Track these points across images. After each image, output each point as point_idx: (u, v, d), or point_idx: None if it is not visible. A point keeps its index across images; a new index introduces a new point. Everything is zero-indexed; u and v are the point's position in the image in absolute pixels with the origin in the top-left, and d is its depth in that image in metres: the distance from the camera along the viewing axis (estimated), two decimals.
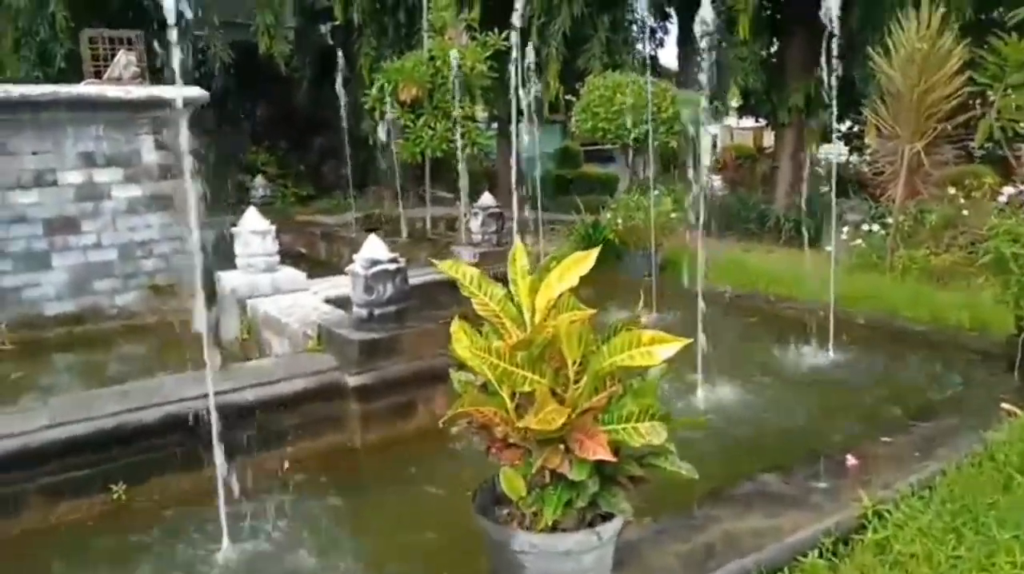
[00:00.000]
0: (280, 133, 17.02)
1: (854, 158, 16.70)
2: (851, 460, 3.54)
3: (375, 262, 4.10)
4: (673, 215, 7.90)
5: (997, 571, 2.70)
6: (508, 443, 2.30)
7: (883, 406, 4.59)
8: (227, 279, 5.73)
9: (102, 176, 6.39)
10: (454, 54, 9.05)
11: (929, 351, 5.42)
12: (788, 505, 3.18)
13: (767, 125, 15.54)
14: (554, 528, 2.27)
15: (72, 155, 6.23)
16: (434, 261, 2.44)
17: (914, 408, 4.43)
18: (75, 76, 9.13)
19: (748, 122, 19.86)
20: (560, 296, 2.31)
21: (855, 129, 14.64)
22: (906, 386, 4.92)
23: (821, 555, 2.80)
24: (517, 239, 2.40)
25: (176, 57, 3.04)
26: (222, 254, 6.06)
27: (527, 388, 2.13)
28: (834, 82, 5.69)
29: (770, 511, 3.13)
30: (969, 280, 6.30)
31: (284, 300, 5.29)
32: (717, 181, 17.90)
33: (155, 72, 11.95)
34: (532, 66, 7.66)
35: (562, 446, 2.19)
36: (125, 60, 6.59)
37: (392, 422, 3.97)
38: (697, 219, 5.39)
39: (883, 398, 4.74)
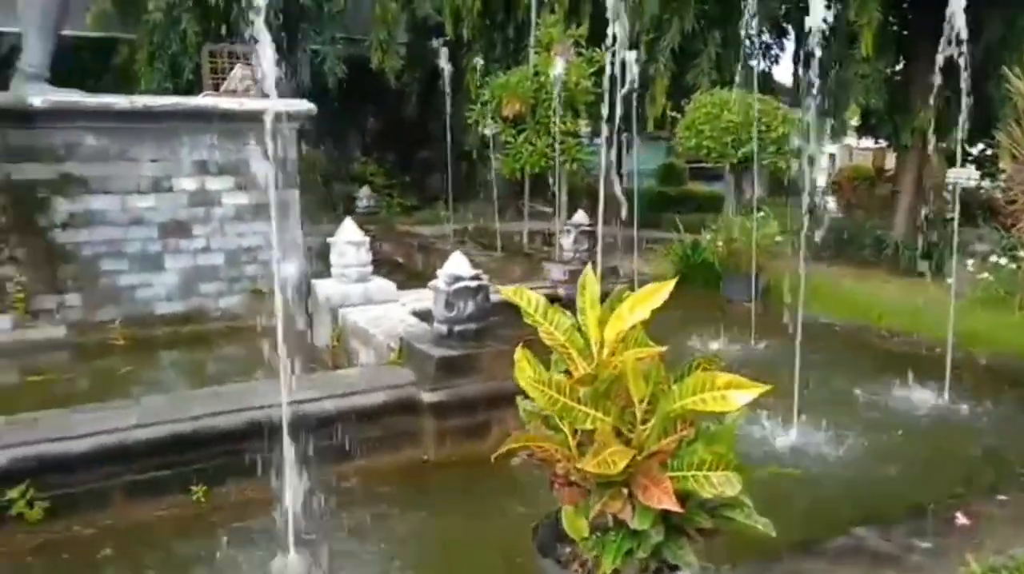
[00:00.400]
0: (389, 145, 17.51)
1: (986, 184, 15.53)
2: (961, 518, 3.21)
3: (457, 278, 4.07)
4: (778, 238, 7.53)
5: None
6: (569, 481, 2.18)
7: (1002, 460, 4.16)
8: (321, 287, 5.88)
9: (214, 184, 6.71)
10: (558, 70, 9.00)
11: None
12: (884, 564, 2.91)
13: (888, 146, 14.67)
14: None
15: (187, 163, 6.58)
16: (499, 287, 2.35)
17: None
18: (201, 89, 9.70)
19: (868, 142, 18.85)
20: (632, 328, 2.19)
21: (988, 153, 13.60)
22: None
23: None
24: (588, 267, 2.27)
25: (270, 72, 3.09)
26: (327, 262, 6.21)
27: (589, 426, 2.01)
28: (964, 103, 5.22)
29: (864, 569, 2.87)
30: None
31: (373, 311, 5.35)
32: (832, 203, 17.07)
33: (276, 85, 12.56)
34: (636, 82, 7.53)
35: (625, 490, 2.05)
36: (241, 74, 6.92)
37: (467, 440, 3.91)
38: (804, 244, 5.06)
39: (1003, 451, 4.29)
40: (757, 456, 4.21)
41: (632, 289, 2.13)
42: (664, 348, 2.10)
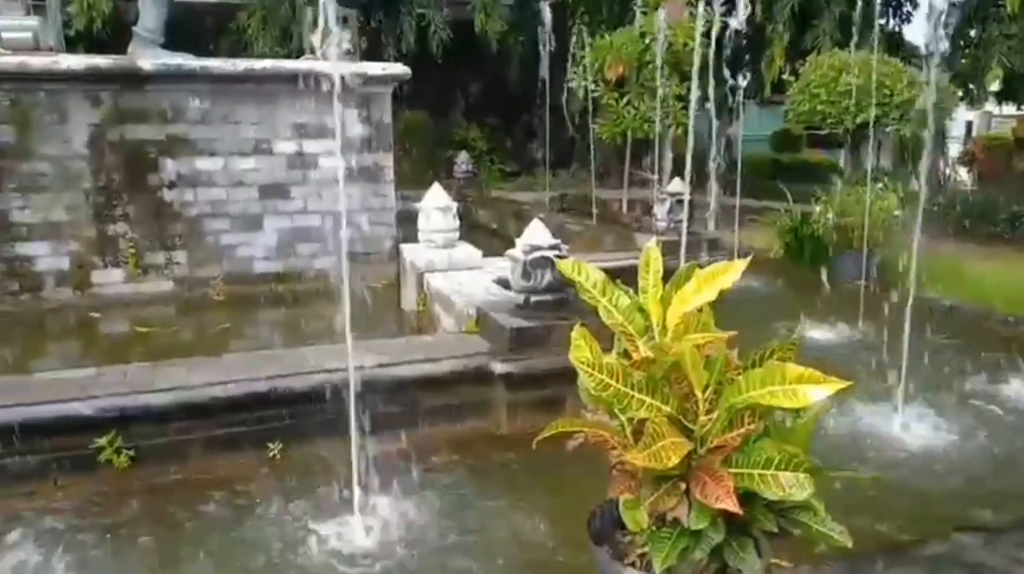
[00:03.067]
0: (492, 109, 17.44)
1: None
2: None
3: (535, 247, 3.93)
4: (896, 213, 6.95)
5: None
6: (624, 469, 2.04)
7: None
8: (408, 252, 5.89)
9: (311, 147, 6.82)
10: (662, 27, 8.58)
11: None
12: None
13: None
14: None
15: (285, 126, 6.71)
16: (555, 259, 2.21)
17: None
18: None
19: (1011, 109, 17.16)
20: (701, 310, 2.00)
21: None
22: None
23: None
24: (652, 241, 2.09)
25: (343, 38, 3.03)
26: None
27: (643, 414, 1.85)
28: None
29: None
30: None
31: (457, 277, 5.31)
32: (964, 175, 15.70)
33: (374, 49, 12.63)
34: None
35: (683, 485, 1.89)
36: (339, 38, 6.94)
37: (540, 414, 3.78)
38: (923, 219, 4.60)
39: None
40: (854, 449, 3.91)
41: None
42: (731, 333, 1.90)
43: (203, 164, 6.54)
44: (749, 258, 1.93)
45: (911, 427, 4.07)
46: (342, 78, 6.17)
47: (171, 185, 6.47)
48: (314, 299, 6.65)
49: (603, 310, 2.07)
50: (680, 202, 6.94)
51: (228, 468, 3.43)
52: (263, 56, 11.60)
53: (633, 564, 2.04)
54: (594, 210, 9.64)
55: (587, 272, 2.06)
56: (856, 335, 5.76)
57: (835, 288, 6.69)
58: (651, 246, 2.07)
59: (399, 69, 6.94)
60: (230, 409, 3.40)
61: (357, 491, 3.04)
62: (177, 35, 6.81)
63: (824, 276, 6.66)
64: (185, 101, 6.41)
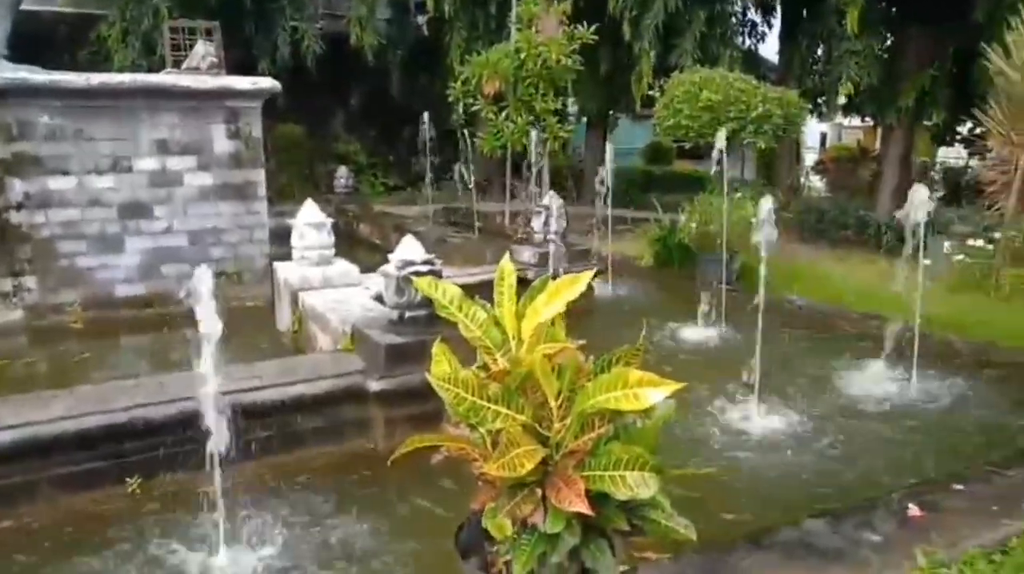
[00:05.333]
0: (373, 123, 17.27)
1: (975, 163, 15.40)
2: (914, 510, 3.13)
3: (408, 263, 3.95)
4: (753, 220, 7.40)
5: None
6: (487, 480, 2.08)
7: (963, 447, 4.09)
8: (282, 270, 5.75)
9: (175, 164, 6.54)
10: (539, 43, 8.79)
11: None
12: (832, 560, 2.82)
13: (875, 125, 14.53)
14: None
15: (147, 142, 6.41)
16: (414, 279, 2.24)
17: (1000, 453, 3.91)
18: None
19: (858, 121, 18.68)
20: (554, 322, 2.08)
21: (977, 131, 13.51)
22: (995, 426, 4.36)
23: None
24: (506, 258, 2.15)
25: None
26: None
27: (498, 425, 1.90)
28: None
29: (810, 564, 2.79)
30: None
31: (333, 295, 5.23)
32: (819, 183, 16.93)
33: (247, 63, 12.29)
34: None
35: (539, 491, 1.95)
36: (203, 50, 6.73)
37: (417, 431, 3.77)
38: (782, 225, 4.94)
39: (965, 438, 4.22)
40: (714, 442, 4.15)
41: (604, 272, 2.04)
42: (581, 342, 1.99)
43: (55, 183, 6.13)
44: (596, 270, 2.02)
45: (764, 419, 4.36)
46: (207, 93, 5.99)
47: (18, 206, 6.03)
48: (182, 323, 6.33)
49: (462, 325, 2.11)
50: (556, 214, 7.12)
51: (81, 506, 3.23)
52: (124, 69, 11.04)
53: (500, 573, 2.09)
54: (476, 223, 9.73)
55: (443, 288, 2.10)
56: (718, 334, 6.11)
57: (701, 292, 7.06)
58: (505, 262, 2.13)
59: (268, 83, 6.78)
60: (83, 444, 3.20)
61: (222, 522, 2.94)
62: (32, 47, 6.37)
63: (695, 280, 7.03)
64: (32, 116, 6.00)
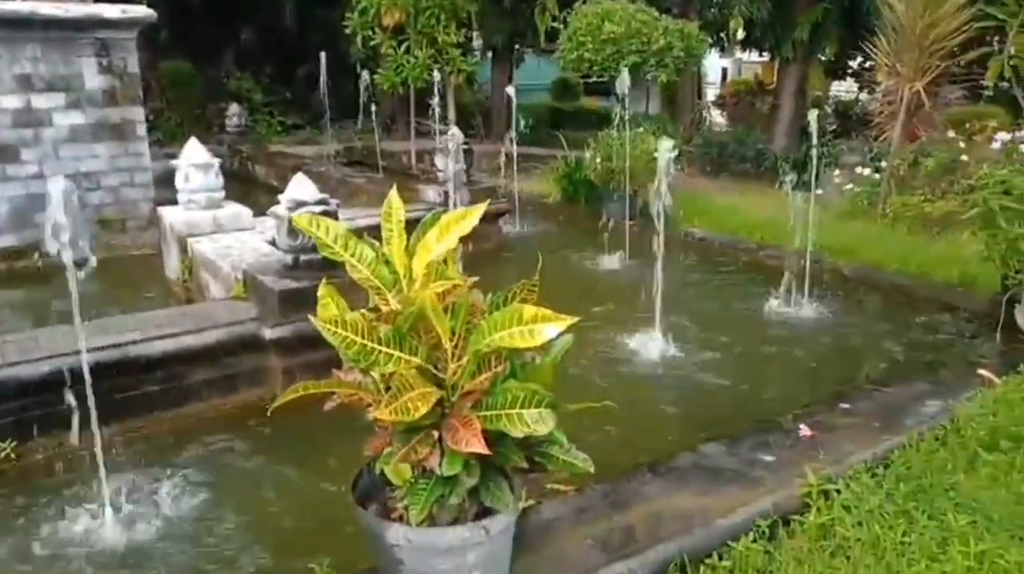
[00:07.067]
0: (268, 59, 16.35)
1: (864, 96, 16.00)
2: (804, 430, 3.26)
3: (300, 203, 3.75)
4: (655, 155, 7.45)
5: (948, 561, 2.43)
6: (382, 425, 2.00)
7: (850, 368, 4.30)
8: (168, 215, 5.39)
9: (41, 102, 5.98)
10: None
11: (911, 308, 5.10)
12: (727, 481, 2.91)
13: (771, 59, 14.83)
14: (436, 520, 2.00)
15: (7, 77, 5.81)
16: (295, 216, 2.09)
17: (883, 371, 4.14)
18: None
19: (757, 56, 19.02)
20: (446, 260, 1.99)
21: (867, 65, 14.00)
22: (879, 347, 4.60)
23: (756, 540, 2.53)
24: (393, 190, 2.03)
25: None
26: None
27: (391, 368, 1.82)
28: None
29: (706, 488, 2.87)
30: (963, 231, 5.93)
31: (224, 240, 4.96)
32: (720, 118, 17.25)
33: None
34: None
35: (436, 434, 1.89)
36: None
37: (317, 377, 3.66)
38: (684, 159, 4.97)
39: (852, 359, 4.44)
40: (618, 372, 4.22)
41: (511, 210, 1.96)
42: (473, 279, 1.91)
43: None
44: (487, 203, 1.93)
45: (666, 347, 4.46)
46: (72, 22, 5.45)
47: None
48: (60, 275, 5.92)
49: (348, 265, 2.00)
50: (461, 151, 6.95)
51: None
52: None
53: (401, 517, 2.04)
54: (380, 162, 9.43)
55: (326, 226, 1.97)
56: (620, 266, 6.19)
57: (605, 227, 7.12)
58: (392, 195, 2.01)
59: (141, 12, 6.23)
60: None
61: (106, 484, 2.77)
62: None
63: (602, 215, 7.06)
64: None
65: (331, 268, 3.87)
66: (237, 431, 3.42)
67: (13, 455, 3.10)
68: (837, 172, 7.56)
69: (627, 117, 6.53)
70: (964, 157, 6.61)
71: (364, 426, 2.04)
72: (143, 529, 2.74)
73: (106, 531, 2.70)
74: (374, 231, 2.16)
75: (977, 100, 8.64)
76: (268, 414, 2.01)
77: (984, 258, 4.28)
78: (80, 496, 2.88)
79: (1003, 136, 5.06)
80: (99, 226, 6.32)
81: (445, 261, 1.97)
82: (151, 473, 3.05)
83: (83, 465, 2.93)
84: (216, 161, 5.39)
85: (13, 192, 5.99)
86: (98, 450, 2.71)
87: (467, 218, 1.89)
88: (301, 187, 3.83)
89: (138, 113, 6.33)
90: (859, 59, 14.31)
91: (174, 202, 5.54)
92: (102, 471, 2.74)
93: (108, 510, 2.75)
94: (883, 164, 7.12)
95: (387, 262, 2.00)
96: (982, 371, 3.74)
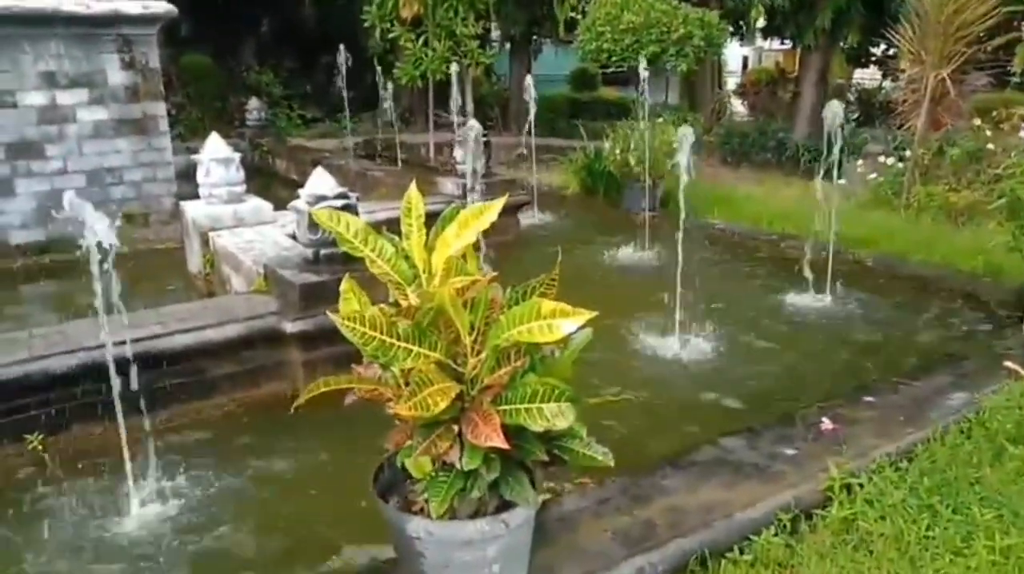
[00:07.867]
0: (288, 52, 16.41)
1: (888, 84, 15.77)
2: (826, 423, 3.23)
3: (320, 197, 3.77)
4: (676, 145, 7.40)
5: (973, 556, 2.41)
6: (401, 420, 2.02)
7: (874, 361, 4.25)
8: (190, 209, 5.45)
9: (65, 98, 6.05)
10: None
11: (936, 300, 5.03)
12: (749, 475, 2.89)
13: (793, 47, 14.64)
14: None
15: (31, 74, 5.89)
16: (315, 211, 2.10)
17: (908, 364, 4.09)
18: None
19: (778, 44, 18.79)
20: (465, 255, 1.99)
21: (891, 53, 13.76)
22: (904, 339, 4.55)
23: (778, 534, 2.52)
24: (413, 186, 2.03)
25: None
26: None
27: (410, 363, 1.82)
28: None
29: (728, 481, 2.85)
30: (989, 221, 5.83)
31: (245, 234, 5.00)
32: (741, 108, 17.07)
33: None
34: None
35: (456, 428, 1.90)
36: None
37: (338, 372, 3.68)
38: (705, 149, 4.94)
39: (876, 352, 4.39)
40: (637, 365, 4.20)
41: (531, 203, 1.95)
42: (493, 274, 1.92)
43: None
44: (506, 197, 1.93)
45: (687, 341, 4.43)
46: (94, 19, 5.50)
47: None
48: (87, 269, 6.00)
49: (368, 260, 2.00)
50: (480, 143, 6.93)
51: None
52: None
53: (421, 510, 2.05)
54: (399, 155, 9.45)
55: (346, 221, 1.97)
56: (641, 258, 6.16)
57: (626, 218, 7.08)
58: (412, 190, 2.01)
59: (163, 7, 6.28)
60: None
61: (131, 476, 2.81)
62: None
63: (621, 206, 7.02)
64: None
65: (351, 262, 3.90)
66: (260, 423, 3.46)
67: (41, 448, 3.15)
68: (860, 162, 7.46)
69: (647, 105, 6.47)
70: (990, 146, 6.50)
71: (389, 418, 2.05)
72: (170, 520, 2.79)
73: (135, 522, 2.74)
74: (393, 224, 2.17)
75: (1004, 87, 8.48)
76: (292, 410, 2.01)
77: (1010, 249, 4.21)
78: (106, 487, 2.92)
79: None
80: (123, 220, 6.39)
81: (464, 256, 1.97)
82: (177, 464, 3.09)
83: (109, 458, 2.97)
84: (237, 155, 5.44)
85: (39, 188, 6.08)
86: (123, 442, 2.75)
87: (485, 213, 1.89)
88: (321, 181, 3.85)
89: (160, 108, 6.40)
90: (882, 46, 14.11)
91: (196, 196, 5.61)
92: (127, 463, 2.78)
93: (136, 501, 2.79)
94: (907, 153, 7.02)
95: (407, 257, 2.00)
96: (1008, 363, 3.68)
